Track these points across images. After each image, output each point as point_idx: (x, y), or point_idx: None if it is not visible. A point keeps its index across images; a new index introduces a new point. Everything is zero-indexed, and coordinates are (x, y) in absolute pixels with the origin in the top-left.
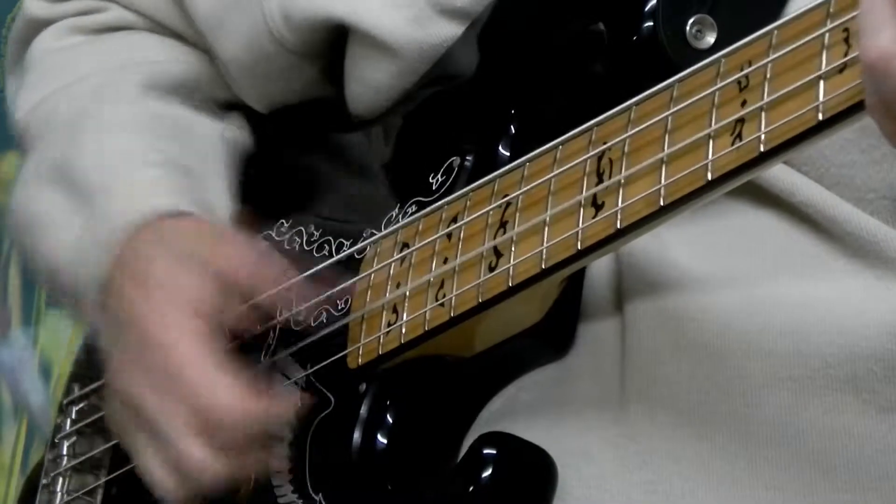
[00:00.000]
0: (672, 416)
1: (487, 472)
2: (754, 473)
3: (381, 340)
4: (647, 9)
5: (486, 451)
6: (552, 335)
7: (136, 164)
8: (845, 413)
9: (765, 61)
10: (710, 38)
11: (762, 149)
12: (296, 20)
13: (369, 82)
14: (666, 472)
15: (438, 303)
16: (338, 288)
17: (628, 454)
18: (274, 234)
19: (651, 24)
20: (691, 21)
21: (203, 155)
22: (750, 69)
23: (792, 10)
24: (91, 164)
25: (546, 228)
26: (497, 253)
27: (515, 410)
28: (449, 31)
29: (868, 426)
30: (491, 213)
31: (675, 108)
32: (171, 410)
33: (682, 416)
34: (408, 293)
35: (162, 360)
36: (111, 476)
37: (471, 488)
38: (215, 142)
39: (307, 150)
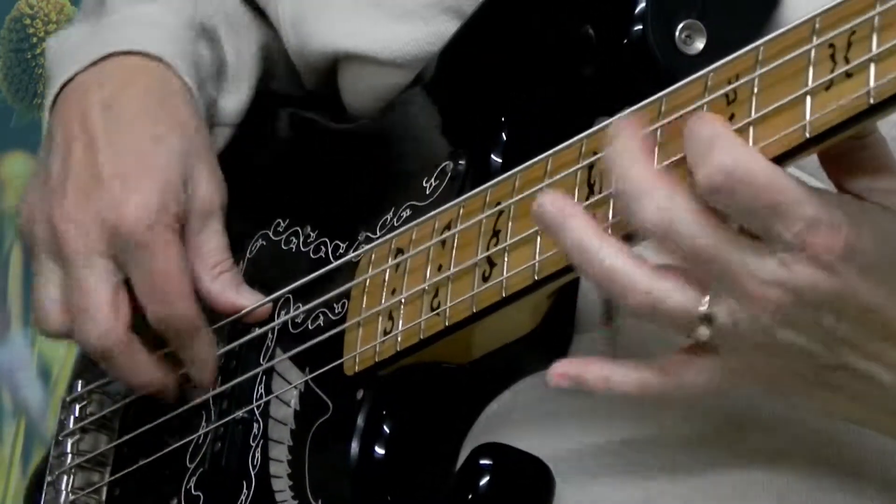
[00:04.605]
0: (666, 426)
1: (484, 482)
2: (749, 484)
3: (378, 348)
4: (636, 12)
5: (482, 462)
6: (547, 342)
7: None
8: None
9: (752, 76)
10: (700, 44)
11: None
12: (308, 58)
13: (370, 89)
14: (661, 482)
15: (434, 312)
16: (335, 292)
17: (623, 464)
18: (271, 234)
19: (640, 27)
20: (681, 26)
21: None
22: (738, 83)
23: (782, 18)
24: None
25: (538, 239)
26: (490, 262)
27: (511, 417)
28: (449, 28)
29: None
30: (484, 221)
31: (664, 122)
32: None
33: (676, 426)
34: (403, 301)
35: (136, 247)
36: (114, 476)
37: (469, 497)
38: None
39: (304, 149)
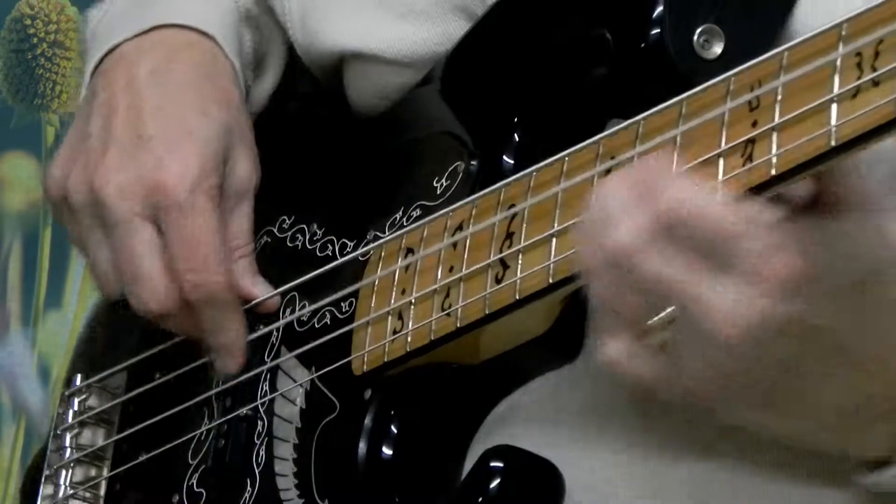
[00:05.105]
0: (675, 427)
1: (495, 484)
2: (760, 485)
3: (387, 348)
4: (654, 16)
5: (493, 464)
6: (559, 344)
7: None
8: None
9: (776, 82)
10: (717, 49)
11: (773, 172)
12: (314, 55)
13: (376, 87)
14: (671, 482)
15: (444, 312)
16: (344, 291)
17: (632, 464)
18: (276, 231)
19: (658, 31)
20: (699, 31)
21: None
22: (761, 89)
23: (797, 23)
24: None
25: (553, 241)
26: (504, 265)
27: (518, 417)
28: (457, 27)
29: None
30: (497, 223)
31: (685, 126)
32: (149, 252)
33: (684, 426)
34: (413, 301)
35: (174, 209)
36: (114, 472)
37: (479, 499)
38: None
39: (311, 146)
